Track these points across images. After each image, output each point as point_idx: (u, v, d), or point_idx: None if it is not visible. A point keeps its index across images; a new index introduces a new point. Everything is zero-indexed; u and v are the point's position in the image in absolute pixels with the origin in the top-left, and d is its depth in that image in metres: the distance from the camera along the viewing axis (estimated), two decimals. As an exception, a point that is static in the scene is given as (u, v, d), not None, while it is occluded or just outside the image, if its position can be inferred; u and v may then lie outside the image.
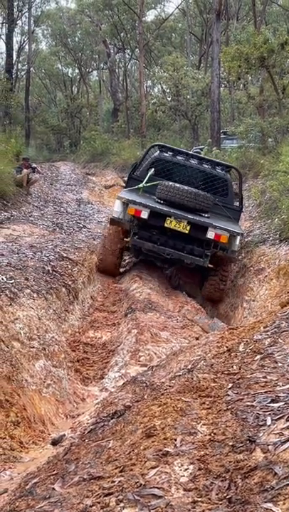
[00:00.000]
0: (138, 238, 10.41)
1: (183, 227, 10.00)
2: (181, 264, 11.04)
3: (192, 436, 2.68)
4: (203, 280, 11.19)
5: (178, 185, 10.40)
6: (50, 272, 8.06)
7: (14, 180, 16.51)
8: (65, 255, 9.23)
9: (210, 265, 10.23)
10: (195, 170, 11.44)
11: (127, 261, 12.61)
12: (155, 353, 6.36)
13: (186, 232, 10.00)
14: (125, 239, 10.83)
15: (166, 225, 10.05)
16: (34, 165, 18.78)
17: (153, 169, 11.18)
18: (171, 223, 10.02)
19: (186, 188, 10.32)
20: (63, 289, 8.06)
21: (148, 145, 22.98)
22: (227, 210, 11.14)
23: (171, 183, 10.41)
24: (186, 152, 12.20)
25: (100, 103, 54.72)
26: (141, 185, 10.92)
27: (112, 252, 11.23)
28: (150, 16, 50.79)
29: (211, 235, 9.90)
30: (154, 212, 10.04)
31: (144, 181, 10.95)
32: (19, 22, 47.79)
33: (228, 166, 12.33)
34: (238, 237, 10.27)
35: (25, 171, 17.43)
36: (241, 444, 2.50)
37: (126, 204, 10.35)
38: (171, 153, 11.71)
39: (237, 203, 11.65)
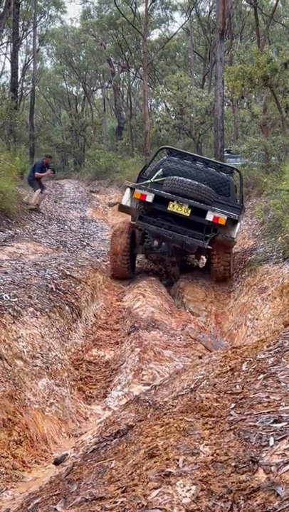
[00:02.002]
0: (143, 221, 11.41)
1: (184, 211, 11.02)
2: (185, 253, 12.29)
3: (195, 457, 2.67)
4: (209, 266, 12.28)
5: (182, 178, 11.30)
6: (54, 290, 8.07)
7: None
8: (68, 273, 9.24)
9: (209, 247, 11.12)
10: (200, 171, 12.31)
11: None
12: (158, 372, 6.34)
13: (187, 215, 11.02)
14: (132, 222, 12.00)
15: (168, 208, 11.09)
16: (53, 168, 19.24)
17: (161, 169, 12.06)
18: (173, 207, 11.06)
19: (189, 180, 11.24)
20: (66, 307, 8.05)
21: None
22: (229, 207, 11.73)
23: (176, 177, 11.31)
24: (192, 155, 13.27)
25: (104, 121, 55.05)
26: (149, 181, 11.73)
27: (121, 248, 12.03)
28: (154, 35, 51.28)
29: (209, 217, 10.88)
30: (158, 197, 11.13)
31: (153, 178, 11.82)
32: (24, 41, 48.18)
33: (231, 168, 13.25)
34: (237, 226, 11.27)
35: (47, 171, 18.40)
36: (244, 465, 2.49)
37: (133, 190, 11.45)
38: (178, 156, 12.74)
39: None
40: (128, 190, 11.88)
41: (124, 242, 12.05)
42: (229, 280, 11.86)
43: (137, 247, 12.66)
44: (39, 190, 18.13)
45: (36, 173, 18.29)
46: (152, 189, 11.25)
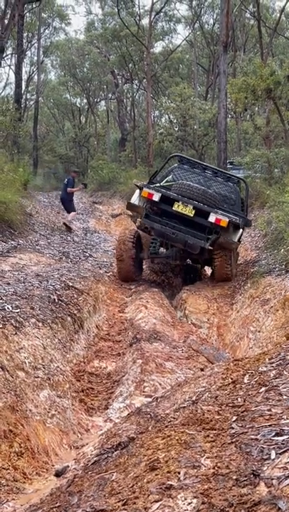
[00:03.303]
0: (149, 219, 12.00)
1: (188, 211, 11.53)
2: (188, 254, 12.68)
3: (196, 470, 2.67)
4: (212, 268, 13.05)
5: (190, 183, 11.97)
6: (56, 301, 8.07)
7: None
8: (70, 284, 9.25)
9: (210, 247, 11.65)
10: (208, 179, 12.86)
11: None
12: (160, 384, 6.33)
13: (191, 215, 11.55)
14: (138, 219, 12.83)
15: (174, 208, 11.61)
16: (85, 182, 19.94)
17: (171, 175, 12.84)
18: (178, 207, 11.58)
19: (196, 185, 11.89)
20: (69, 318, 8.05)
21: None
22: (233, 215, 12.03)
23: (184, 182, 12.07)
24: (201, 164, 13.95)
25: (107, 133, 55.19)
26: (158, 184, 12.38)
27: (127, 253, 12.60)
28: (158, 47, 51.58)
29: (212, 218, 11.40)
30: (165, 197, 11.69)
31: (163, 182, 12.55)
32: (28, 52, 48.41)
33: (238, 178, 13.71)
34: (239, 231, 11.98)
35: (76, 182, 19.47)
36: (245, 478, 2.48)
37: (141, 189, 12.03)
38: (188, 164, 13.33)
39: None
40: (137, 189, 12.51)
41: (131, 247, 12.57)
42: (231, 280, 12.32)
43: (142, 252, 13.23)
44: (74, 212, 19.21)
45: (68, 189, 19.01)
46: (159, 189, 11.83)
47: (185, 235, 11.69)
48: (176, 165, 13.47)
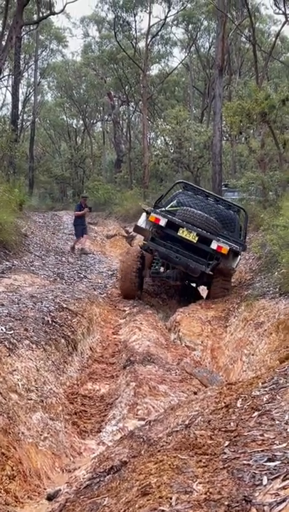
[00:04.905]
0: (154, 242, 12.56)
1: (192, 237, 12.15)
2: (188, 276, 13.15)
3: (188, 495, 2.66)
4: (208, 288, 13.55)
5: (194, 209, 12.49)
6: (50, 322, 8.06)
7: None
8: (65, 306, 9.24)
9: (210, 272, 12.22)
10: (211, 206, 13.49)
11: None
12: (153, 407, 6.31)
13: (194, 241, 12.16)
14: (144, 242, 13.45)
15: (178, 233, 12.23)
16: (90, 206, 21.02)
17: (176, 201, 13.35)
18: (183, 233, 12.20)
19: (199, 212, 12.42)
20: (62, 340, 8.04)
21: (150, 196, 24.17)
22: (232, 241, 12.67)
23: (189, 208, 12.58)
24: (205, 191, 14.57)
25: (103, 154, 55.43)
26: (164, 209, 12.95)
27: (132, 271, 13.00)
28: (154, 70, 51.92)
29: (214, 245, 12.03)
30: (170, 223, 12.29)
31: (168, 207, 13.10)
32: (25, 74, 48.90)
33: (238, 207, 14.32)
34: (237, 258, 12.61)
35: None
36: (237, 504, 2.48)
37: (149, 214, 12.62)
38: (192, 191, 14.02)
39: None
40: (144, 213, 13.09)
41: (134, 266, 13.01)
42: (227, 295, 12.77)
43: (144, 270, 13.76)
44: (86, 235, 19.76)
45: (75, 212, 19.90)
46: (166, 214, 12.41)
47: (187, 259, 12.26)
48: (180, 190, 14.10)
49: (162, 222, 12.30)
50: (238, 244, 12.71)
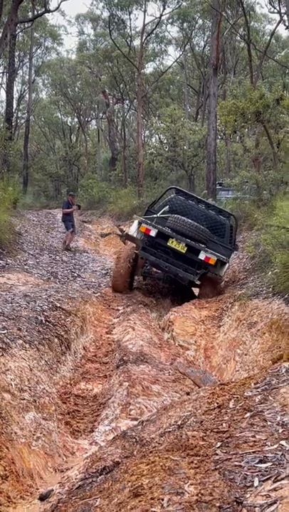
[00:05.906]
0: (145, 251, 12.94)
1: (181, 248, 12.62)
2: (176, 282, 13.74)
3: (179, 497, 2.67)
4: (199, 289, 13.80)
5: (184, 218, 12.85)
6: (43, 322, 8.06)
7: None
8: (58, 305, 9.23)
9: (198, 282, 13.02)
10: (202, 212, 13.77)
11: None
12: (146, 407, 6.32)
13: (183, 252, 12.61)
14: (135, 251, 13.68)
15: (168, 243, 12.70)
16: (78, 204, 22.08)
17: (168, 206, 13.67)
18: (172, 243, 12.67)
19: (189, 221, 12.81)
20: (56, 340, 8.04)
21: (144, 194, 24.38)
22: (222, 247, 13.28)
23: (179, 216, 12.90)
24: (196, 197, 14.70)
25: (98, 152, 55.36)
26: (155, 216, 13.36)
27: (124, 270, 13.70)
28: (149, 68, 51.99)
29: (202, 256, 12.55)
30: (160, 233, 12.72)
31: (159, 213, 13.44)
32: (20, 71, 48.87)
33: (228, 213, 14.52)
34: (225, 266, 13.02)
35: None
36: (228, 506, 2.49)
37: (140, 224, 13.02)
38: (184, 196, 14.21)
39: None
40: (136, 222, 13.57)
41: (127, 266, 13.69)
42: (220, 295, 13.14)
43: (136, 270, 14.33)
44: (71, 229, 19.75)
45: (64, 210, 20.14)
46: (156, 225, 12.77)
47: (177, 268, 12.77)
48: (172, 195, 14.33)
49: (153, 232, 12.76)
50: (227, 250, 13.34)
